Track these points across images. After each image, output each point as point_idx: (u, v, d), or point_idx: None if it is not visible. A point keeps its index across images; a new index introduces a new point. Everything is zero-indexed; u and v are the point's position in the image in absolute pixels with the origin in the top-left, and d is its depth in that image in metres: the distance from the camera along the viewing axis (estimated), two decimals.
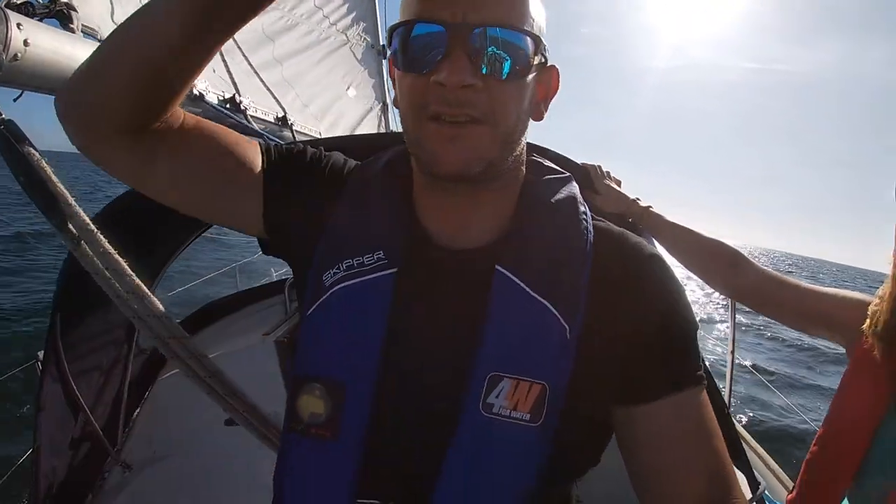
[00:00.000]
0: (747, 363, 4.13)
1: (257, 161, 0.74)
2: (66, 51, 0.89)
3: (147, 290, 0.79)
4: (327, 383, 0.65)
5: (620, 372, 0.65)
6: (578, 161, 1.46)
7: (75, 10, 1.00)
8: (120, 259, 0.77)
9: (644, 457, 0.65)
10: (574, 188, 0.75)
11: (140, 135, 0.65)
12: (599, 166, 1.46)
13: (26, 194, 0.72)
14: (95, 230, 0.75)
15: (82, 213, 0.75)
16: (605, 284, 0.66)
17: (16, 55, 0.77)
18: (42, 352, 1.42)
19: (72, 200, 0.75)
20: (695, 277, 1.34)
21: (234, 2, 0.58)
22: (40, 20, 0.90)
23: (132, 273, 0.78)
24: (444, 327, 0.67)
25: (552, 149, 1.34)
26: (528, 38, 0.60)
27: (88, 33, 1.08)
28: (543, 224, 0.69)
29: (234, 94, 1.46)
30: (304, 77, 3.23)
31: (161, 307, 0.80)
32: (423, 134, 0.61)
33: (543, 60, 0.65)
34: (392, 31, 0.62)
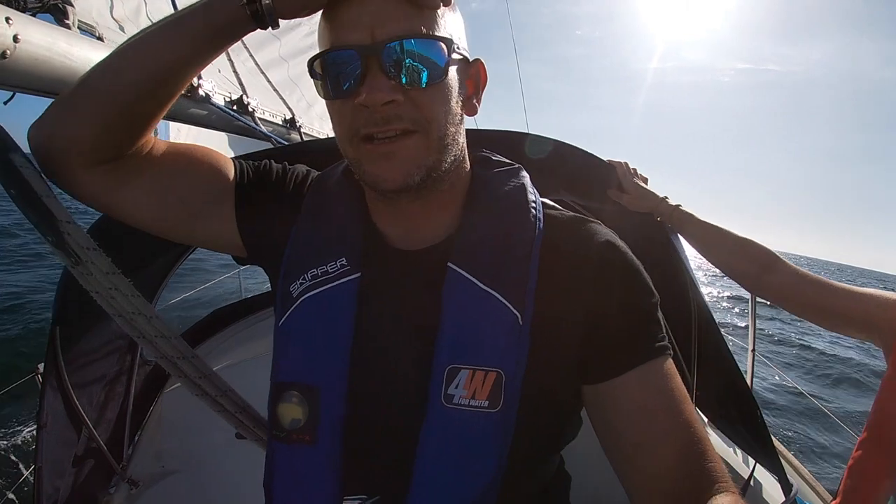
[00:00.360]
0: (801, 388, 3.92)
1: (229, 178, 0.77)
2: (61, 48, 0.81)
3: (153, 310, 0.72)
4: (303, 389, 0.68)
5: (582, 352, 0.67)
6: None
7: (71, 4, 0.93)
8: (124, 278, 0.70)
9: (616, 432, 0.65)
10: (524, 178, 0.76)
11: (109, 165, 0.69)
12: (626, 163, 1.40)
13: (18, 209, 0.65)
14: (97, 248, 0.68)
15: (82, 231, 0.68)
16: (558, 269, 0.67)
17: (4, 52, 0.70)
18: (42, 364, 1.35)
19: (69, 217, 0.67)
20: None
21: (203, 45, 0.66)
22: (33, 15, 0.82)
23: (137, 292, 0.71)
24: (406, 326, 0.69)
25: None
26: (440, 43, 0.62)
27: (85, 29, 1.00)
28: (491, 217, 0.70)
29: (241, 96, 1.38)
30: (308, 77, 3.15)
31: (168, 327, 0.73)
32: (360, 156, 0.64)
33: (463, 57, 0.67)
34: (311, 64, 0.64)
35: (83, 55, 0.86)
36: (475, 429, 0.63)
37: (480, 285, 0.66)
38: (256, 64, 2.01)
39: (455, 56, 0.64)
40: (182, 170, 0.74)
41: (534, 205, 0.72)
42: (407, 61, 0.60)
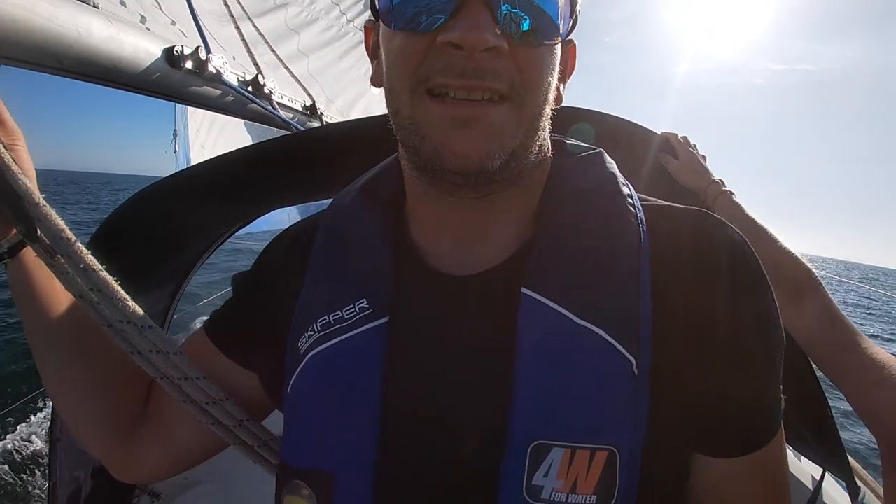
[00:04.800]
0: None
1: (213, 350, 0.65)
2: (44, 9, 0.69)
3: (146, 318, 0.58)
4: (313, 478, 0.51)
5: (705, 411, 0.49)
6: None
7: None
8: (107, 277, 0.56)
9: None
10: (611, 165, 0.58)
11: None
12: (685, 137, 1.20)
13: None
14: (74, 239, 0.54)
15: (55, 216, 0.54)
16: (673, 290, 0.49)
17: None
18: None
19: (40, 199, 0.54)
20: None
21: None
22: None
23: (125, 296, 0.57)
24: (458, 385, 0.51)
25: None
26: None
27: None
28: (577, 220, 0.52)
29: (256, 76, 1.26)
30: (328, 71, 3.10)
31: (166, 340, 0.59)
32: (422, 117, 0.46)
33: (571, 28, 0.52)
34: None
35: (70, 21, 0.73)
36: None
37: (574, 318, 0.47)
38: (276, 55, 1.89)
39: (573, 20, 0.51)
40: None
41: (630, 200, 0.54)
42: (520, 4, 0.45)
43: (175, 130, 4.10)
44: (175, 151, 4.09)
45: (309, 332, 0.54)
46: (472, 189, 0.50)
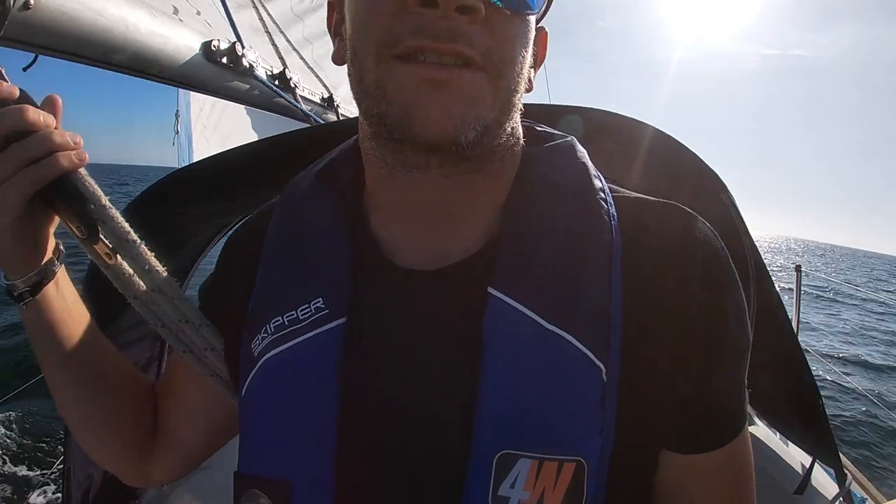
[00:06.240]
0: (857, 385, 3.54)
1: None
2: (95, 3, 0.68)
3: (202, 317, 0.59)
4: (270, 487, 0.49)
5: (678, 408, 0.48)
6: None
7: None
8: (171, 278, 0.57)
9: (673, 501, 0.52)
10: (582, 155, 0.54)
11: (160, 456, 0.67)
12: None
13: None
14: (139, 241, 0.55)
15: (120, 218, 0.55)
16: (646, 290, 0.47)
17: (27, 2, 0.57)
18: None
19: (106, 201, 0.54)
20: None
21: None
22: None
23: (183, 294, 0.58)
24: (421, 390, 0.48)
25: None
26: None
27: None
28: (547, 215, 0.49)
29: (283, 70, 1.26)
30: (327, 59, 3.08)
31: (218, 333, 0.60)
32: (390, 81, 0.42)
33: (545, 6, 0.50)
34: None
35: (118, 14, 0.73)
36: None
37: (543, 323, 0.44)
38: (289, 42, 1.89)
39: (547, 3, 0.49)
40: (184, 384, 0.64)
41: (602, 194, 0.51)
42: None
43: (177, 111, 4.06)
44: (177, 132, 4.05)
45: (262, 334, 0.51)
46: (440, 165, 0.46)
